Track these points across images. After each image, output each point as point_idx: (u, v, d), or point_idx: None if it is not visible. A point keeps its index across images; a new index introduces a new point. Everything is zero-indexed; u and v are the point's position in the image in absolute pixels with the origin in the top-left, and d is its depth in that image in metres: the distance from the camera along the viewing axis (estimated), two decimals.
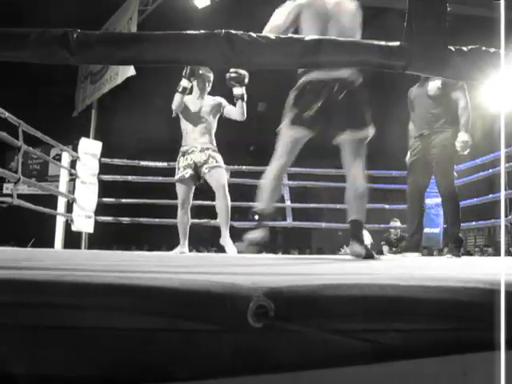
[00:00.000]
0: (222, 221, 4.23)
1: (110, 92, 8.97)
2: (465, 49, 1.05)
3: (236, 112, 4.21)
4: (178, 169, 4.26)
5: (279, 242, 12.49)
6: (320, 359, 0.48)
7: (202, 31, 0.96)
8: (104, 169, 6.80)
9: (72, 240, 6.91)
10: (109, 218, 6.83)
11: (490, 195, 6.89)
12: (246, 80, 3.54)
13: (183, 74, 4.02)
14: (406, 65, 1.03)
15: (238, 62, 0.98)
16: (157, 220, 7.10)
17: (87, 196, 6.53)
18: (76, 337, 0.47)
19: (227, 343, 0.47)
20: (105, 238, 9.39)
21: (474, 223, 7.85)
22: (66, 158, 6.45)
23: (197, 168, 4.22)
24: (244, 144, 18.67)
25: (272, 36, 0.97)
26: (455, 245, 4.11)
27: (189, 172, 4.21)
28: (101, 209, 6.72)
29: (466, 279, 0.51)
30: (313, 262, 1.64)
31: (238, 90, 3.95)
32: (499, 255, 11.05)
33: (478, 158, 6.95)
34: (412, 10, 1.05)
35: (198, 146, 4.25)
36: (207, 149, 4.27)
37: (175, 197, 7.55)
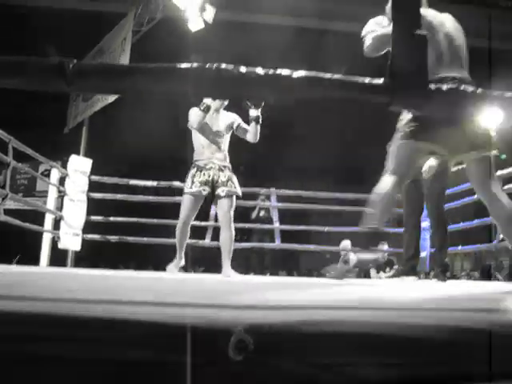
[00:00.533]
0: (225, 253, 4.05)
1: (101, 110, 9.00)
2: (444, 88, 1.10)
3: (250, 133, 4.11)
4: (193, 182, 4.08)
5: (267, 263, 12.45)
6: None
7: (195, 64, 1.00)
8: (93, 186, 6.80)
9: (58, 257, 6.86)
10: (96, 236, 6.80)
11: (476, 220, 6.98)
12: (263, 102, 3.52)
13: None
14: (389, 102, 1.08)
15: (227, 95, 1.01)
16: (145, 239, 7.08)
17: (75, 213, 6.51)
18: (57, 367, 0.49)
19: (210, 375, 0.50)
20: (92, 256, 9.32)
21: (460, 248, 7.92)
22: (55, 175, 6.43)
23: (214, 186, 4.08)
24: (234, 164, 18.74)
25: (260, 71, 1.01)
26: (441, 269, 4.18)
27: (207, 190, 4.07)
28: (89, 226, 6.69)
29: (434, 317, 0.54)
30: (297, 288, 1.66)
31: (253, 112, 3.83)
32: (485, 279, 11.12)
33: (465, 184, 7.06)
34: (395, 50, 1.10)
35: (216, 162, 4.14)
36: (226, 168, 4.18)
37: (164, 216, 7.56)
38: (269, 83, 1.01)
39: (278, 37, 10.33)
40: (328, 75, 1.03)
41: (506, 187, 5.34)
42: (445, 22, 2.67)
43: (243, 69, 1.01)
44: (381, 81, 1.07)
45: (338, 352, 0.51)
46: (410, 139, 2.49)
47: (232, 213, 4.10)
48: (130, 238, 6.94)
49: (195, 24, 8.66)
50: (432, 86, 1.10)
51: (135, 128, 12.89)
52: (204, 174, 4.06)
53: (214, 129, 4.13)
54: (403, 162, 2.55)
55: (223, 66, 1.01)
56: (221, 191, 4.05)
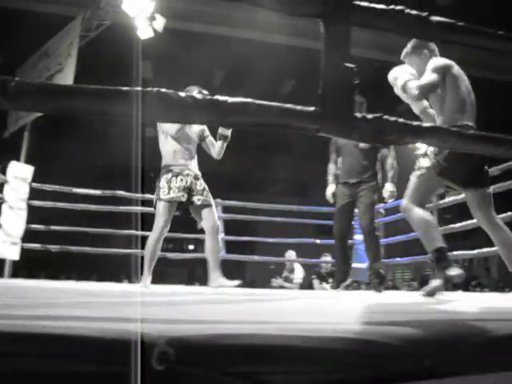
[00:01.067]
0: (215, 264, 3.81)
1: (45, 114, 8.76)
2: (369, 116, 1.21)
3: (215, 149, 3.97)
4: (170, 188, 3.81)
5: (199, 274, 12.49)
6: None
7: (137, 88, 1.05)
8: (34, 194, 6.59)
9: None
10: (36, 246, 6.59)
11: (412, 233, 7.30)
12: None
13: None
14: (319, 128, 1.16)
15: (167, 119, 1.07)
16: (87, 249, 6.92)
17: (14, 221, 6.29)
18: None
19: (135, 382, 0.55)
20: (32, 265, 9.00)
21: (398, 259, 8.25)
22: None
23: (190, 194, 3.89)
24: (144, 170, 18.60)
25: (198, 96, 1.07)
26: (377, 280, 4.43)
27: (185, 196, 3.85)
28: (28, 235, 6.48)
29: (329, 330, 0.62)
30: (223, 302, 1.73)
31: (223, 131, 3.74)
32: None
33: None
34: (326, 81, 1.19)
35: (192, 169, 3.96)
36: (199, 177, 4.00)
37: (108, 225, 7.43)
38: (205, 108, 1.07)
39: (227, 47, 10.45)
40: (263, 102, 1.11)
41: (452, 198, 5.73)
42: (462, 73, 3.04)
43: (182, 94, 1.07)
44: (312, 109, 1.16)
45: (246, 361, 0.58)
46: (436, 176, 2.85)
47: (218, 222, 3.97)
48: (72, 248, 6.77)
49: (145, 32, 8.62)
50: (358, 115, 1.20)
51: (80, 134, 12.59)
52: (181, 180, 3.86)
53: (188, 135, 3.94)
54: (426, 195, 2.96)
55: (163, 90, 1.06)
56: (196, 199, 3.88)
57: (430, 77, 2.83)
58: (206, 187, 4.00)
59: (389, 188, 4.60)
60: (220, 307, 1.52)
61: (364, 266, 8.01)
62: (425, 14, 1.37)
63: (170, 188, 3.82)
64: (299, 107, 1.15)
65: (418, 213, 2.84)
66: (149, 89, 1.05)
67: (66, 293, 2.10)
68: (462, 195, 4.78)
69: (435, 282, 2.88)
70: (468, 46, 1.58)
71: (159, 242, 3.84)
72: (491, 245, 3.48)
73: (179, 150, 3.90)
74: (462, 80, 3.00)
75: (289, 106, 1.14)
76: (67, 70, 8.48)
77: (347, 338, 0.63)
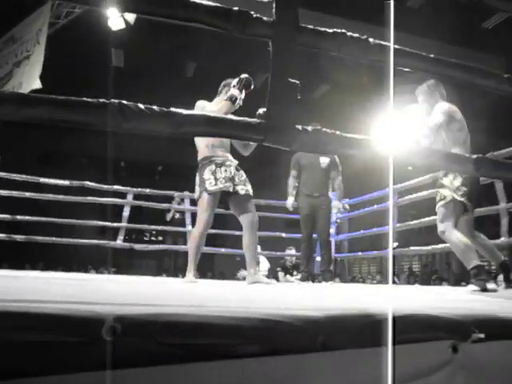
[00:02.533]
0: (252, 259, 3.76)
1: None
2: (309, 129, 1.37)
3: (246, 147, 3.82)
4: (217, 179, 3.66)
5: (180, 265, 12.57)
6: (152, 360, 0.73)
7: (100, 100, 1.17)
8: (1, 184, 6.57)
9: None
10: (1, 235, 6.57)
11: (375, 228, 7.59)
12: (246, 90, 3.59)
13: (235, 84, 3.65)
14: (263, 139, 1.32)
15: (126, 128, 1.20)
16: (54, 239, 6.93)
17: None
18: None
19: (90, 350, 0.72)
20: None
21: (360, 253, 8.56)
22: None
23: (234, 185, 3.73)
24: (152, 164, 18.59)
25: (155, 108, 1.21)
26: (329, 275, 5.52)
27: (232, 186, 3.71)
28: None
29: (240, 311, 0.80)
30: (174, 290, 1.89)
31: (235, 92, 3.60)
32: (386, 282, 11.98)
33: (367, 194, 7.67)
34: (271, 95, 1.34)
35: (233, 160, 3.83)
36: (240, 168, 3.85)
37: (76, 216, 7.44)
38: (161, 119, 1.21)
39: (199, 39, 10.48)
40: (214, 115, 1.25)
41: (414, 195, 6.05)
42: (463, 117, 3.62)
43: (141, 105, 1.21)
44: (258, 121, 1.31)
45: (179, 335, 0.75)
46: (463, 205, 3.46)
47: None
48: (38, 238, 6.77)
49: (116, 23, 8.60)
50: (299, 127, 1.36)
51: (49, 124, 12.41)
52: (226, 170, 3.70)
53: None
54: (454, 220, 3.49)
55: (124, 102, 1.19)
56: (240, 189, 3.73)
57: (438, 118, 3.49)
58: (247, 179, 3.85)
59: (337, 205, 5.76)
60: (170, 294, 1.68)
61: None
62: (364, 37, 1.53)
63: (216, 179, 3.68)
64: (247, 120, 1.30)
65: (457, 235, 3.41)
66: (111, 100, 1.18)
67: (35, 280, 2.22)
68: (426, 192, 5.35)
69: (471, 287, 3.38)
70: (411, 69, 1.74)
71: (205, 236, 3.79)
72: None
73: (218, 143, 3.74)
74: (463, 124, 3.57)
75: (237, 118, 1.29)
76: (35, 57, 8.35)
77: (259, 319, 0.80)
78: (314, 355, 0.83)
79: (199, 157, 3.82)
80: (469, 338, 0.97)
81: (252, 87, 3.65)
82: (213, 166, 3.70)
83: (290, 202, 5.72)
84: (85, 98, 1.18)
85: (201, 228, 3.70)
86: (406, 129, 3.53)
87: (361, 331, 0.88)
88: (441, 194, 3.53)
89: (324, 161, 5.54)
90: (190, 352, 0.76)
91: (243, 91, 3.61)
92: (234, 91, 3.60)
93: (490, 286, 3.25)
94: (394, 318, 0.89)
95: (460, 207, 3.46)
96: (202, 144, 3.78)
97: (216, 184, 3.66)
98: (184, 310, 0.81)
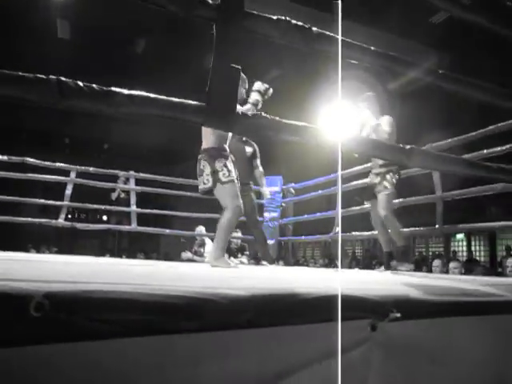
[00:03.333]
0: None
1: None
2: (249, 113, 1.39)
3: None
4: (230, 171, 3.87)
5: (124, 245, 12.39)
6: (80, 335, 0.75)
7: (38, 75, 1.15)
8: None
9: None
10: None
11: (319, 213, 7.78)
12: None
13: (259, 90, 4.08)
14: (203, 121, 1.33)
15: (65, 105, 1.18)
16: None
17: None
18: None
19: (17, 326, 0.72)
20: None
21: (303, 237, 8.75)
22: None
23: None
24: (96, 142, 18.07)
25: (95, 87, 1.20)
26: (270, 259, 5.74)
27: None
28: None
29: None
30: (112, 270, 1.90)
31: (255, 96, 4.05)
32: (327, 266, 12.33)
33: (312, 180, 7.84)
34: (213, 78, 1.36)
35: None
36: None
37: (16, 194, 7.15)
38: (100, 98, 1.20)
39: (150, 15, 10.22)
40: (151, 95, 1.26)
41: (355, 182, 6.23)
42: None
43: (80, 83, 1.19)
44: (197, 104, 1.33)
45: (108, 311, 0.77)
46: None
47: None
48: None
49: None
50: (239, 111, 1.38)
51: None
52: (231, 162, 3.96)
53: None
54: (392, 207, 4.55)
55: (63, 78, 1.17)
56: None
57: (390, 128, 4.46)
58: None
59: (265, 191, 6.04)
60: (105, 271, 1.69)
61: (271, 242, 8.42)
62: (307, 25, 1.57)
63: (229, 170, 3.87)
64: (186, 101, 1.31)
65: (395, 219, 4.46)
66: (49, 77, 1.16)
67: None
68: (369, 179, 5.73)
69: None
70: (355, 61, 1.80)
71: (235, 223, 3.93)
72: None
73: (224, 136, 3.93)
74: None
75: (177, 100, 1.30)
76: None
77: (188, 297, 0.83)
78: (239, 332, 0.88)
79: (208, 145, 3.90)
80: (387, 318, 1.05)
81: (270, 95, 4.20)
82: (222, 160, 3.88)
83: None
84: (20, 73, 1.15)
85: (236, 215, 3.84)
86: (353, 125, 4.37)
87: (284, 310, 0.93)
88: (384, 185, 4.49)
89: (249, 149, 5.67)
90: (120, 328, 0.78)
91: (264, 97, 4.13)
92: (258, 97, 4.07)
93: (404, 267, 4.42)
94: (316, 298, 0.95)
95: (394, 198, 4.54)
96: (215, 135, 3.88)
97: (229, 175, 3.86)
98: (115, 288, 0.82)
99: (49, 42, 11.52)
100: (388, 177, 4.48)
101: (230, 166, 3.92)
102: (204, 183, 3.87)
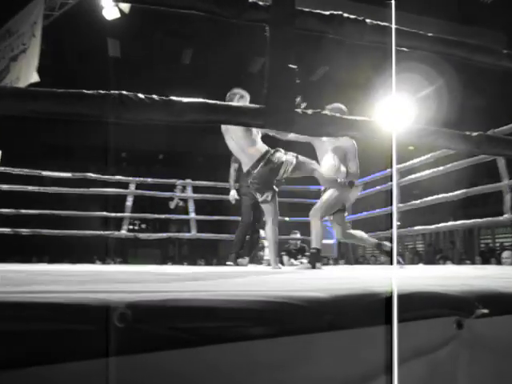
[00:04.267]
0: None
1: None
2: (309, 112, 1.37)
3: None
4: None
5: (185, 253, 12.62)
6: (163, 345, 0.75)
7: (100, 91, 1.18)
8: (2, 178, 6.58)
9: None
10: (6, 229, 6.61)
11: (377, 210, 7.59)
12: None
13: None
14: (263, 123, 1.32)
15: (127, 118, 1.20)
16: (59, 231, 6.97)
17: None
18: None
19: (103, 336, 0.73)
20: (1, 249, 8.98)
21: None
22: None
23: None
24: (153, 153, 18.57)
25: (155, 97, 1.21)
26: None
27: None
28: None
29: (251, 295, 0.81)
30: (181, 279, 1.92)
31: None
32: (389, 263, 12.02)
33: (367, 176, 7.67)
34: (270, 80, 1.34)
35: None
36: None
37: (79, 208, 7.45)
38: (162, 108, 1.21)
39: (195, 26, 10.40)
40: (212, 102, 1.26)
41: (417, 175, 6.06)
42: None
43: (141, 95, 1.21)
44: (257, 106, 1.32)
45: (189, 319, 0.77)
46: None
47: None
48: (44, 231, 6.81)
49: (110, 13, 8.54)
50: (298, 111, 1.36)
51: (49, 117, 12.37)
52: None
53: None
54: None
55: (124, 92, 1.20)
56: None
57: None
58: None
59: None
60: (177, 280, 1.71)
61: (331, 242, 8.32)
62: (361, 18, 1.53)
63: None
64: (245, 105, 1.30)
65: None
66: (111, 92, 1.19)
67: (47, 274, 2.25)
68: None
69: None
70: (411, 49, 1.73)
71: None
72: (454, 220, 3.98)
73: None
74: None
75: (236, 104, 1.30)
76: (31, 50, 8.31)
77: (267, 302, 0.82)
78: (320, 335, 0.85)
79: (257, 155, 4.00)
80: (473, 314, 0.99)
81: None
82: (268, 166, 4.01)
83: (232, 194, 5.94)
84: (84, 90, 1.18)
85: (275, 222, 4.14)
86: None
87: (366, 310, 0.90)
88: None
89: None
90: (200, 336, 0.78)
91: None
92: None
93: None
94: (399, 296, 0.91)
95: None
96: (258, 145, 4.02)
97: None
98: (192, 296, 0.82)
99: (101, 61, 11.97)
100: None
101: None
102: (266, 195, 4.06)
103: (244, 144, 3.94)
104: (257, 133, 4.01)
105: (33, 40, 8.36)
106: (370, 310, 0.90)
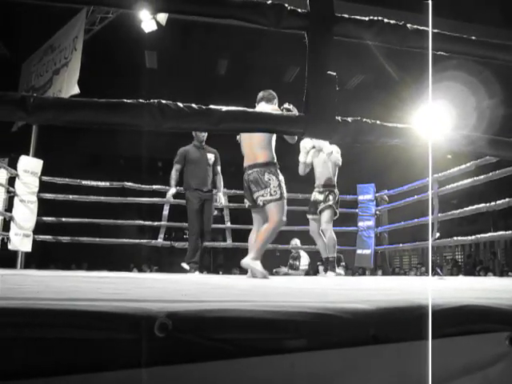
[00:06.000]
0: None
1: None
2: (349, 119, 1.34)
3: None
4: (283, 187, 4.07)
5: (220, 261, 12.68)
6: (203, 355, 0.74)
7: (140, 100, 1.19)
8: (44, 187, 6.79)
9: (7, 258, 6.79)
10: (48, 237, 6.80)
11: (415, 219, 7.41)
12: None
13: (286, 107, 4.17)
14: (303, 132, 1.30)
15: (167, 127, 1.21)
16: (97, 239, 7.12)
17: (25, 214, 6.49)
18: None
19: (143, 345, 0.73)
20: (43, 256, 9.23)
21: (401, 245, 8.39)
22: (3, 175, 6.38)
23: None
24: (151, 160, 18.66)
25: (194, 106, 1.22)
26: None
27: None
28: (40, 227, 6.68)
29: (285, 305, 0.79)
30: (221, 287, 1.90)
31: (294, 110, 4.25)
32: (427, 274, 11.73)
33: (405, 185, 7.52)
34: (309, 88, 1.33)
35: None
36: None
37: (117, 217, 7.60)
38: (200, 116, 1.21)
39: (231, 36, 10.50)
40: (251, 110, 1.25)
41: (455, 184, 5.91)
42: None
43: (180, 104, 1.21)
44: (296, 114, 1.30)
45: (229, 330, 0.75)
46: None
47: None
48: (83, 239, 6.97)
49: (148, 25, 8.73)
50: (339, 118, 1.33)
51: (89, 128, 12.72)
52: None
53: None
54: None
55: (163, 101, 1.20)
56: None
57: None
58: None
59: (222, 197, 6.08)
60: (214, 289, 1.70)
61: (368, 252, 8.18)
62: (402, 23, 1.50)
63: (283, 187, 4.04)
64: (285, 114, 1.29)
65: (333, 233, 5.45)
66: (150, 101, 1.19)
67: (90, 282, 2.29)
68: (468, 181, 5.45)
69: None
70: (452, 54, 1.69)
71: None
72: (495, 230, 3.76)
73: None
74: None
75: (275, 113, 1.28)
76: (73, 63, 8.58)
77: (308, 313, 0.79)
78: (365, 349, 0.82)
79: (267, 159, 4.03)
80: None
81: None
82: (280, 174, 4.05)
83: (172, 192, 5.84)
84: (124, 100, 1.20)
85: (278, 226, 4.06)
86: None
87: (411, 323, 0.86)
88: (328, 203, 5.42)
89: (211, 156, 5.79)
90: (240, 347, 0.76)
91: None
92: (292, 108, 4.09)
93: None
94: (446, 310, 0.87)
95: (335, 215, 5.57)
96: (271, 147, 4.03)
97: (284, 191, 4.06)
98: (233, 306, 0.81)
99: (138, 73, 12.23)
100: (331, 196, 5.45)
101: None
102: (271, 194, 3.96)
103: (269, 138, 3.96)
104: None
105: (74, 54, 8.64)
106: (416, 323, 0.86)
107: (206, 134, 5.63)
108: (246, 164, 4.09)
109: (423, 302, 0.90)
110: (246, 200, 4.27)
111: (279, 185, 3.97)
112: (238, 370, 0.76)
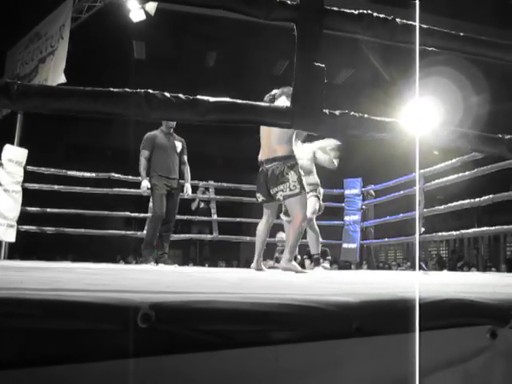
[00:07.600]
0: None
1: None
2: (336, 112, 1.34)
3: None
4: (303, 180, 4.02)
5: (206, 254, 12.66)
6: (186, 346, 0.73)
7: (127, 90, 1.17)
8: (29, 177, 6.71)
9: None
10: (32, 228, 6.73)
11: (401, 214, 7.48)
12: None
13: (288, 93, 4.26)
14: (290, 123, 1.30)
15: (154, 117, 1.20)
16: (82, 230, 7.06)
17: (10, 204, 6.41)
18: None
19: (126, 336, 0.72)
20: (27, 247, 9.13)
21: (386, 239, 8.46)
22: None
23: None
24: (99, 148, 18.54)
25: (182, 96, 1.21)
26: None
27: None
28: (24, 218, 6.61)
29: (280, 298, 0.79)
30: (205, 278, 1.90)
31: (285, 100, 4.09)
32: (413, 269, 11.85)
33: (391, 180, 7.57)
34: (297, 80, 1.32)
35: None
36: None
37: (103, 208, 7.53)
38: (187, 107, 1.20)
39: (220, 28, 10.44)
40: (239, 101, 1.24)
41: (441, 180, 5.95)
42: None
43: (167, 94, 1.20)
44: (284, 106, 1.30)
45: (213, 321, 0.75)
46: None
47: None
48: (68, 230, 6.91)
49: (136, 15, 8.63)
50: (326, 111, 1.33)
51: (75, 117, 12.58)
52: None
53: None
54: None
55: (150, 91, 1.19)
56: None
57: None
58: None
59: (189, 188, 5.89)
60: (199, 281, 1.69)
61: (354, 246, 8.23)
62: (391, 17, 1.49)
63: (303, 181, 3.98)
64: (272, 105, 1.28)
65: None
66: (137, 90, 1.18)
67: (76, 272, 2.27)
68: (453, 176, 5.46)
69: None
70: (440, 49, 1.69)
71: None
72: (480, 226, 3.80)
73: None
74: None
75: (263, 104, 1.28)
76: (59, 52, 8.46)
77: (293, 305, 0.79)
78: (349, 341, 0.83)
79: (286, 153, 3.97)
80: (508, 323, 0.95)
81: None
82: (298, 168, 3.98)
83: (146, 184, 5.46)
84: (111, 89, 1.18)
85: (303, 222, 3.98)
86: None
87: (395, 316, 0.87)
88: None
89: (178, 144, 5.56)
90: (224, 338, 0.76)
91: None
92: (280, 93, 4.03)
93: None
94: (429, 303, 0.88)
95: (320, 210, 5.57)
96: (291, 142, 4.00)
97: (304, 184, 4.00)
98: (218, 297, 0.81)
99: (127, 63, 12.11)
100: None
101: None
102: (291, 189, 3.88)
103: (290, 135, 3.95)
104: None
105: (61, 42, 8.51)
106: (400, 316, 0.87)
107: (175, 122, 5.39)
108: (263, 158, 4.03)
109: (407, 296, 0.91)
110: (258, 195, 4.13)
111: (298, 179, 3.90)
112: (221, 362, 0.76)
